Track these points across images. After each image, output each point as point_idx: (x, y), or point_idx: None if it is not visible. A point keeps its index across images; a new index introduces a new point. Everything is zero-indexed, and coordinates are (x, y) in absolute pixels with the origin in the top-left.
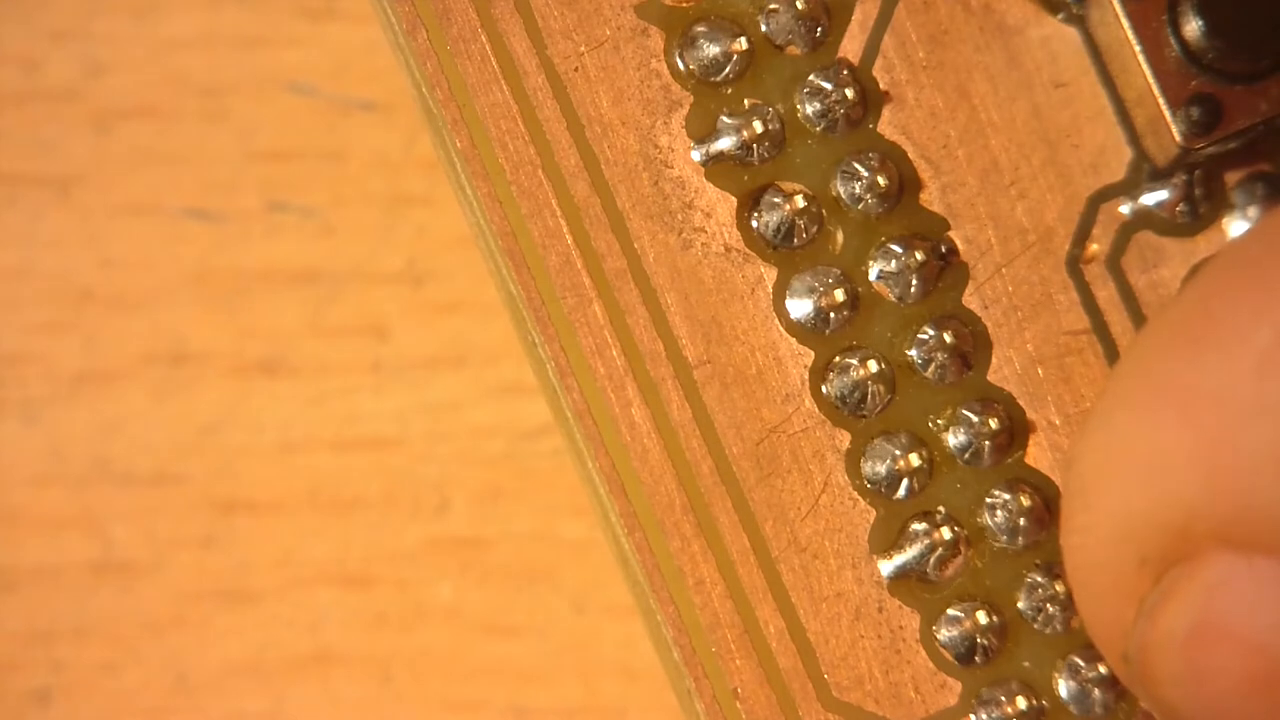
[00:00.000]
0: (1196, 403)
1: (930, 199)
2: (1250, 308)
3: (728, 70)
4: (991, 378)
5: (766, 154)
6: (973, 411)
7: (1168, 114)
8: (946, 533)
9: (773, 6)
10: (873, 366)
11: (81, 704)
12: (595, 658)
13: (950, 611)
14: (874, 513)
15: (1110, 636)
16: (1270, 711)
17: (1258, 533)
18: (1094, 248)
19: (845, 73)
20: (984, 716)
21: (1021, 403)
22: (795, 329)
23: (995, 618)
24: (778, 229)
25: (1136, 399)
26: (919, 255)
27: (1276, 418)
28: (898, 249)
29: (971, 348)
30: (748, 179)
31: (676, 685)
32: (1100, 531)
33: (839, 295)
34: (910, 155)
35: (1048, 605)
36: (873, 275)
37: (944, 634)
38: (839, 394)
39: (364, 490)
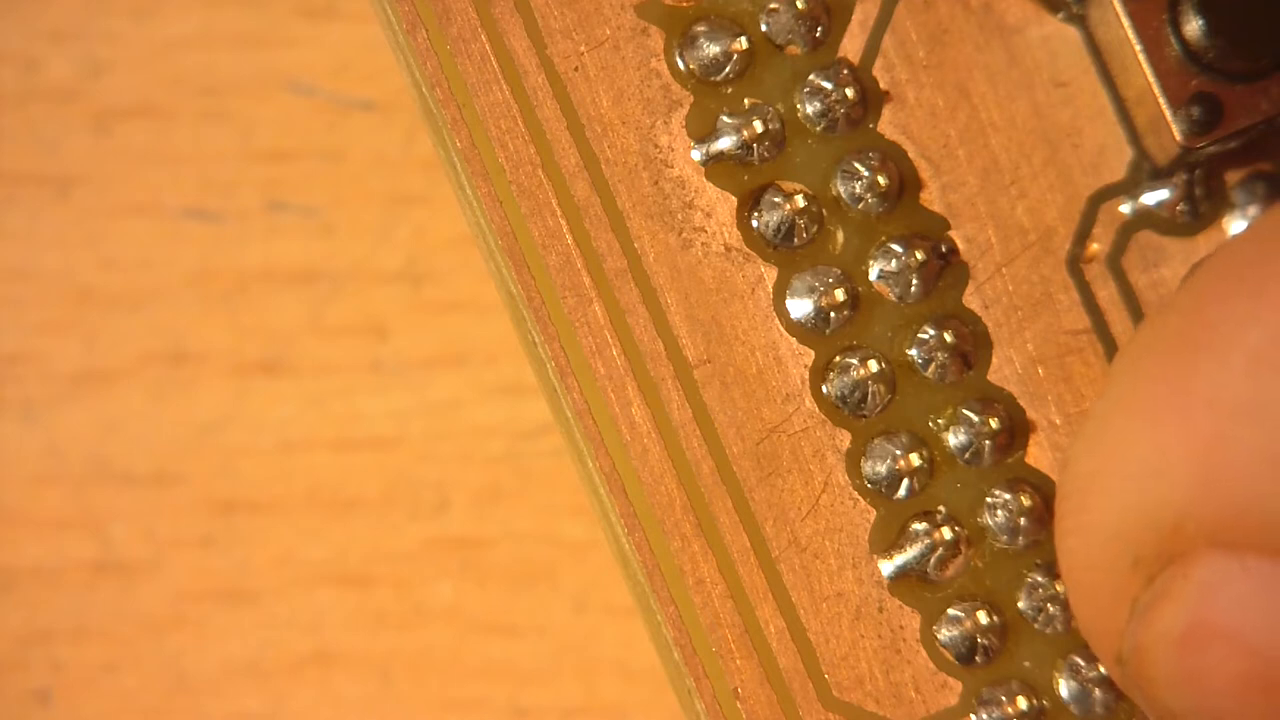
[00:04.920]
0: (1189, 404)
1: (930, 199)
2: (1242, 310)
3: (728, 70)
4: (992, 377)
5: (766, 154)
6: (973, 411)
7: (1168, 113)
8: (947, 532)
9: (773, 6)
10: (873, 366)
11: (81, 704)
12: (595, 658)
13: (951, 611)
14: (874, 513)
15: (1104, 637)
16: (1265, 713)
17: (1250, 533)
18: (1094, 247)
19: (845, 72)
20: (984, 716)
21: (1022, 402)
22: (795, 329)
23: (996, 618)
24: (778, 229)
25: (1130, 400)
26: (919, 255)
27: (1267, 418)
28: (898, 248)
29: (972, 347)
30: (748, 179)
31: (676, 685)
32: (1094, 531)
33: (839, 295)
34: (910, 155)
35: (1048, 605)
36: (873, 275)
37: (944, 634)
38: (839, 394)
39: (363, 490)
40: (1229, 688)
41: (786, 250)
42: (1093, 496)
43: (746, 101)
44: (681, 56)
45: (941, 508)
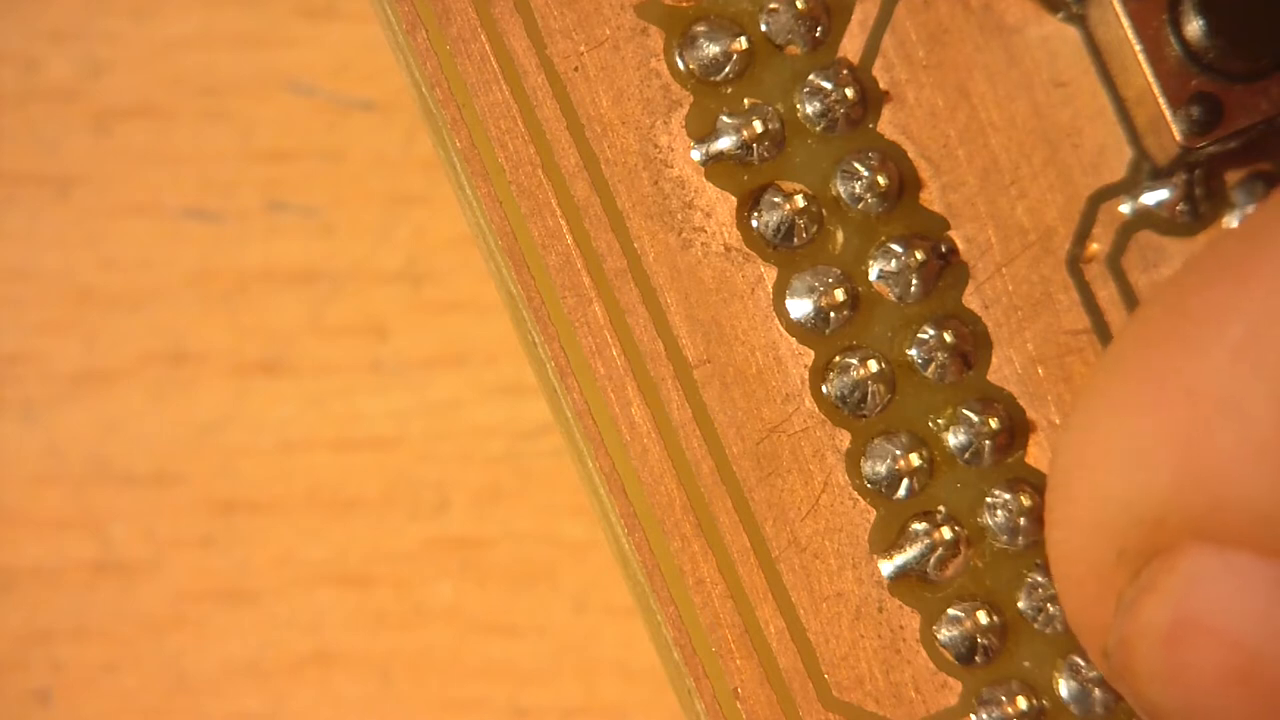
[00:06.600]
0: (1171, 396)
1: (930, 199)
2: (1224, 304)
3: (728, 70)
4: (992, 377)
5: (766, 154)
6: (973, 411)
7: (1168, 113)
8: (947, 532)
9: (773, 6)
10: (873, 366)
11: (81, 704)
12: (595, 658)
13: (950, 611)
14: (874, 512)
15: (1090, 631)
16: (1249, 706)
17: (1232, 526)
18: (1094, 247)
19: (845, 72)
20: (984, 716)
21: (1022, 402)
22: (795, 329)
23: (996, 618)
24: (778, 229)
25: (1115, 392)
26: (919, 255)
27: (1248, 412)
28: (898, 248)
29: (972, 347)
30: (748, 179)
31: (676, 685)
32: (1079, 524)
33: (839, 295)
34: (910, 155)
35: (1048, 605)
36: (873, 275)
37: (944, 634)
38: (839, 394)
39: (363, 490)
40: (1213, 683)
41: (786, 250)
42: (1078, 488)
43: (746, 101)
44: (681, 56)
45: (941, 508)
